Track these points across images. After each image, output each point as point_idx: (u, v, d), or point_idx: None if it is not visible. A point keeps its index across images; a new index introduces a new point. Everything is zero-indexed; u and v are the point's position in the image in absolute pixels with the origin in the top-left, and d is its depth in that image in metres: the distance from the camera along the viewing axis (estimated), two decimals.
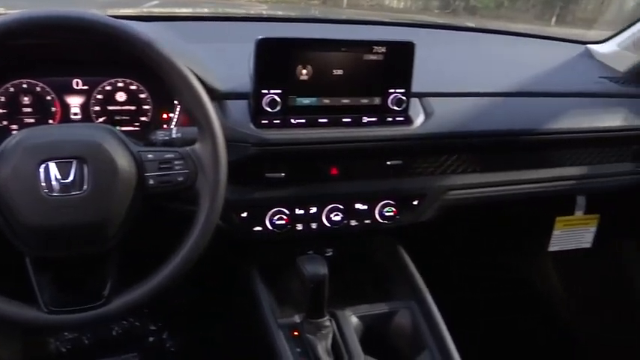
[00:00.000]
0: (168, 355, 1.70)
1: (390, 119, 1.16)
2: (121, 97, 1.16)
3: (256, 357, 1.22)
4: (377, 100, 1.14)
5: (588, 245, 1.67)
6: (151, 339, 1.70)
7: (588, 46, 1.69)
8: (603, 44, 1.66)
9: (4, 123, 1.10)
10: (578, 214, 1.60)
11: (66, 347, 1.63)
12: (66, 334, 1.64)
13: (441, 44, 1.58)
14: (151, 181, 0.89)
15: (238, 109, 1.08)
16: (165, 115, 1.18)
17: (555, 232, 1.62)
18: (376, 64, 1.11)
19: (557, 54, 1.63)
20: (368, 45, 1.10)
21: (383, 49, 1.11)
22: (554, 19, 2.81)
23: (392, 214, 1.21)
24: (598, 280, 1.84)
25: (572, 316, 1.92)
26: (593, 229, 1.65)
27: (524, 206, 1.51)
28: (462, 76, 1.36)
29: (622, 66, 1.56)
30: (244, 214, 1.13)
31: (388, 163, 1.18)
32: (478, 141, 1.26)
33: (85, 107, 1.15)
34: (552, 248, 1.64)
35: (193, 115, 0.91)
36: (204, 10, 1.71)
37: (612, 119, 1.38)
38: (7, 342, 1.60)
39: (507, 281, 1.95)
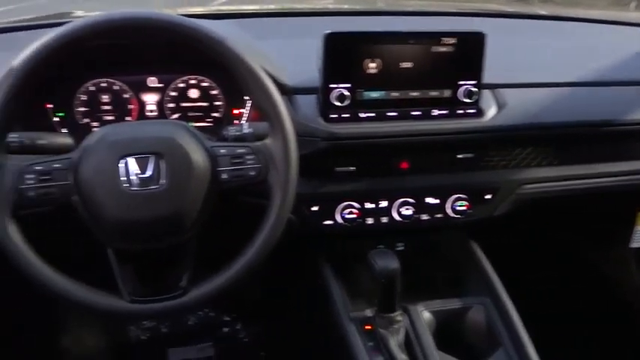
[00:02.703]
0: (241, 345, 1.73)
1: (460, 112, 1.13)
2: (193, 93, 1.19)
3: (328, 349, 1.22)
4: (447, 93, 1.11)
5: None
6: (225, 329, 1.74)
7: None
8: None
9: (86, 121, 1.15)
10: None
11: (145, 335, 1.70)
12: (145, 322, 1.70)
13: (512, 33, 1.53)
14: (224, 176, 0.90)
15: (307, 103, 1.09)
16: (236, 111, 1.20)
17: (638, 228, 1.53)
18: (446, 56, 1.09)
19: (635, 40, 1.53)
20: (437, 36, 1.08)
21: (453, 41, 1.08)
22: (633, 4, 2.66)
23: (464, 208, 1.18)
24: None
25: None
26: None
27: (603, 200, 1.43)
28: (535, 66, 1.30)
29: None
30: (315, 208, 1.13)
31: (459, 156, 1.15)
32: (553, 133, 1.21)
33: (159, 104, 1.18)
34: (635, 244, 1.55)
35: (264, 111, 0.91)
36: (271, 7, 1.72)
37: None
38: (91, 329, 1.68)
39: (586, 278, 1.87)
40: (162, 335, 1.71)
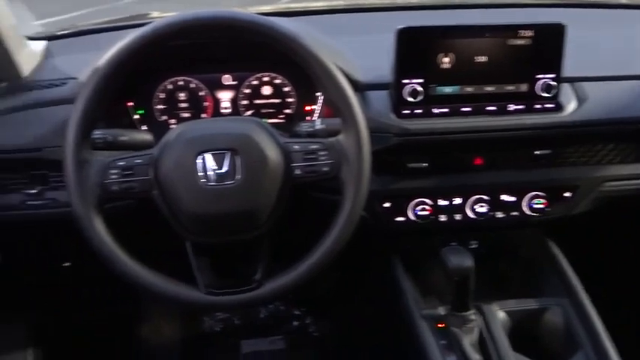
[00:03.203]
0: (311, 339, 1.75)
1: (538, 106, 1.09)
2: (266, 90, 1.21)
3: (398, 345, 1.22)
4: (524, 87, 1.08)
5: None
6: (295, 323, 1.77)
7: None
8: None
9: (164, 118, 1.20)
10: None
11: (218, 326, 1.75)
12: (218, 314, 1.75)
13: (593, 24, 1.46)
14: (298, 171, 0.91)
15: (380, 99, 1.08)
16: (308, 108, 1.21)
17: None
18: (523, 49, 1.06)
19: None
20: (513, 29, 1.05)
21: (530, 33, 1.05)
22: None
23: (541, 206, 1.14)
24: None
25: None
26: None
27: None
28: (617, 58, 1.24)
29: None
30: (387, 205, 1.12)
31: (537, 152, 1.12)
32: (637, 128, 1.14)
33: (234, 101, 1.21)
34: None
35: (337, 107, 0.91)
36: (340, 3, 1.71)
37: None
38: (168, 320, 1.74)
39: None
40: (235, 327, 1.75)
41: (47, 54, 1.23)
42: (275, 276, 0.92)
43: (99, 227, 0.87)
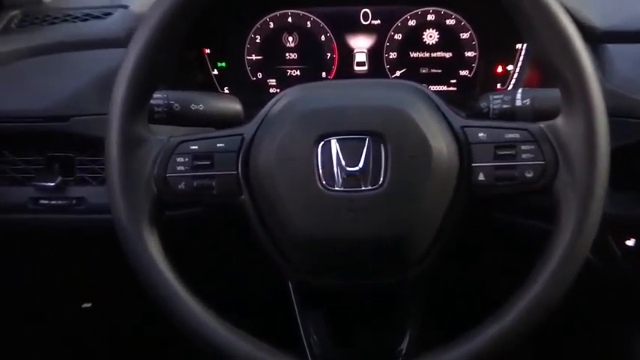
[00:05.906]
0: None
1: None
2: (430, 37, 1.22)
3: None
4: None
5: None
6: None
7: None
8: None
9: (259, 75, 1.24)
10: None
11: None
12: None
13: None
14: (482, 177, 0.90)
15: (628, 59, 1.07)
16: (499, 69, 1.21)
17: None
18: None
19: None
20: None
21: None
22: None
23: None
24: None
25: None
26: None
27: None
28: None
29: None
30: (630, 242, 1.10)
31: None
32: None
33: (375, 53, 1.23)
34: None
35: (556, 70, 0.88)
36: None
37: None
38: None
39: None
40: None
41: None
42: (435, 349, 0.90)
43: (153, 248, 0.89)
